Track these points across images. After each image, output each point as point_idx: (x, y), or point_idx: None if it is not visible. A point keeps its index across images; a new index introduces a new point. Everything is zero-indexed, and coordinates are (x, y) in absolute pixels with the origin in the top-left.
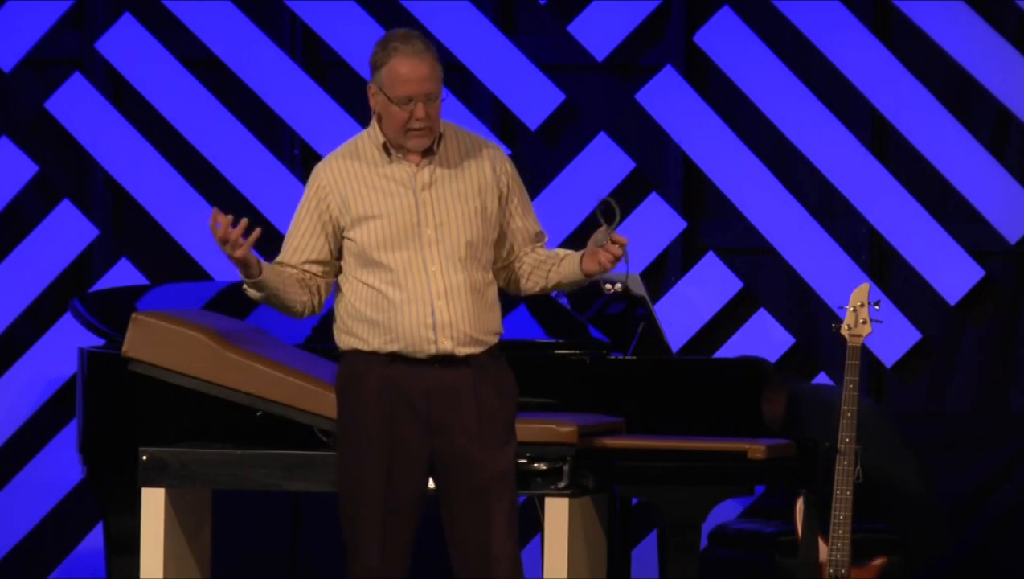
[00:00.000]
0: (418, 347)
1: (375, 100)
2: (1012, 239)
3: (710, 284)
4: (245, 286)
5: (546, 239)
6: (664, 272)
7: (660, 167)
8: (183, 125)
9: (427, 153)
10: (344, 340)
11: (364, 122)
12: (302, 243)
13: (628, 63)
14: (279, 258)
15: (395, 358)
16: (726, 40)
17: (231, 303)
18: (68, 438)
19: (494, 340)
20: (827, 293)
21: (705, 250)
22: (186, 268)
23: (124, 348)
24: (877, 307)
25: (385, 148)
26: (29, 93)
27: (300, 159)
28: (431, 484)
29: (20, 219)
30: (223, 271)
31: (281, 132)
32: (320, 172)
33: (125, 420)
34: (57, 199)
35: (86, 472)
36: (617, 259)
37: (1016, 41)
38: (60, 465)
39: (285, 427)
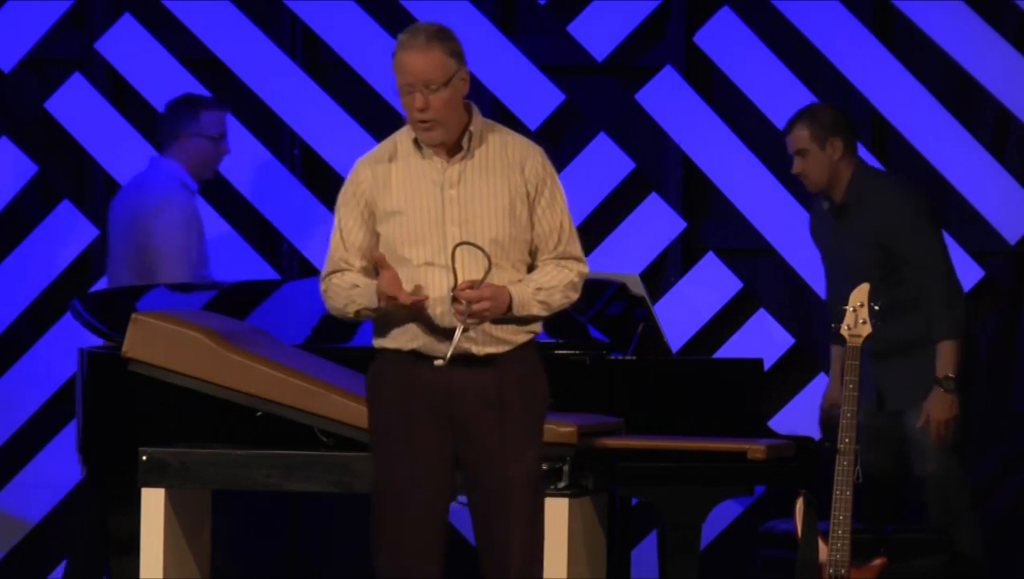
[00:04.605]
0: (437, 345)
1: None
2: (1012, 239)
3: (710, 284)
4: (369, 312)
5: (576, 258)
6: (664, 272)
7: (660, 167)
8: None
9: (458, 150)
10: (375, 339)
11: (364, 122)
12: (349, 238)
13: (628, 63)
14: (332, 268)
15: (418, 357)
16: (726, 40)
17: (231, 303)
18: (68, 438)
19: (522, 339)
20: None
21: (705, 250)
22: None
23: (124, 348)
24: (877, 307)
25: (417, 144)
26: (29, 93)
27: (300, 159)
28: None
29: (20, 219)
30: (223, 271)
31: (281, 132)
32: (357, 168)
33: (125, 420)
34: (57, 199)
35: (86, 472)
36: (458, 313)
37: (1016, 41)
38: (60, 465)
39: (285, 427)
